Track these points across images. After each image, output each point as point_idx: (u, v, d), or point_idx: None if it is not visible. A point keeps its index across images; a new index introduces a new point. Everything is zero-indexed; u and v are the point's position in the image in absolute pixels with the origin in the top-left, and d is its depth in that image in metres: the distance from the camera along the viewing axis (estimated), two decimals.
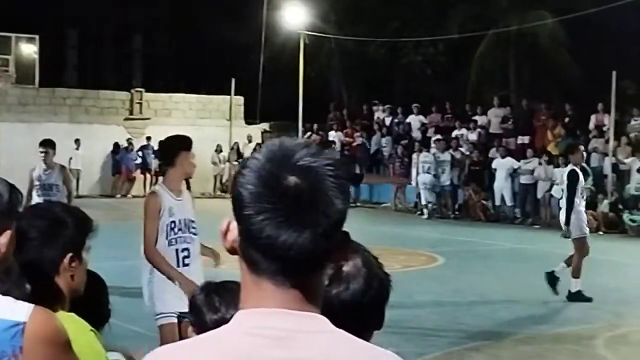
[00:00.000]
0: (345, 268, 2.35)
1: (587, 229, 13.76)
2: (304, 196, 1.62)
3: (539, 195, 25.48)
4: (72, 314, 2.89)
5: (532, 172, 25.61)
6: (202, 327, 1.77)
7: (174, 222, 6.93)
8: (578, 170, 13.42)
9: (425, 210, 27.21)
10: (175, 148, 7.10)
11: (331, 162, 1.66)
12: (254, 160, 1.67)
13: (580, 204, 13.41)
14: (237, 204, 1.66)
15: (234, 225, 1.68)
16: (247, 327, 1.65)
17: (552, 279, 13.17)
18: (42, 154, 12.66)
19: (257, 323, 1.65)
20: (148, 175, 32.31)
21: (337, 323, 2.31)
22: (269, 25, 35.33)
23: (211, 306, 3.04)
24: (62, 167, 13.08)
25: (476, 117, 29.55)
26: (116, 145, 32.94)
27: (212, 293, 3.10)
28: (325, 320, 1.70)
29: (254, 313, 1.67)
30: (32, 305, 2.47)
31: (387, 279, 2.45)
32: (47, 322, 2.44)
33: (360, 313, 2.33)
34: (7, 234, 2.54)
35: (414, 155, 28.57)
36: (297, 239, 1.62)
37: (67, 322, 2.61)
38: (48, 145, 12.86)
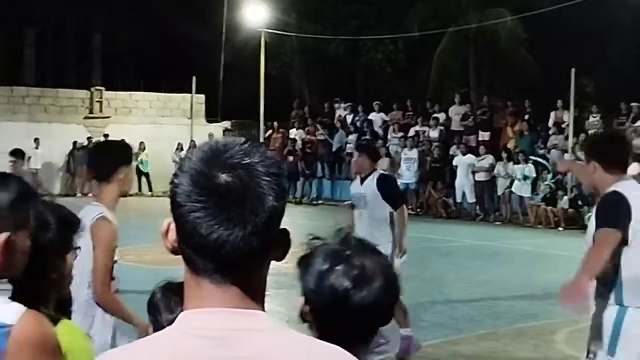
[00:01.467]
0: (368, 269, 2.34)
1: None
2: (234, 194, 1.62)
3: (500, 192, 25.63)
4: (66, 319, 2.85)
5: (488, 169, 25.74)
6: (159, 328, 1.76)
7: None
8: None
9: None
10: (116, 162, 5.59)
11: (264, 160, 1.66)
12: (187, 161, 1.67)
13: None
14: (173, 204, 1.66)
15: (174, 225, 1.68)
16: (188, 328, 1.64)
17: None
18: (11, 163, 12.53)
19: (197, 324, 1.64)
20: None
21: (356, 322, 2.30)
22: (230, 23, 35.24)
23: (168, 306, 3.01)
24: (34, 175, 13.09)
25: (437, 115, 29.67)
26: (75, 144, 32.60)
27: (170, 293, 3.08)
28: (266, 317, 1.69)
29: (195, 313, 1.66)
30: (23, 309, 2.42)
31: (398, 276, 2.44)
32: (35, 326, 2.37)
33: (378, 312, 2.35)
34: (1, 236, 2.46)
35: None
36: (228, 237, 1.61)
37: (63, 328, 2.57)
38: (17, 154, 12.78)
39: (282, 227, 1.70)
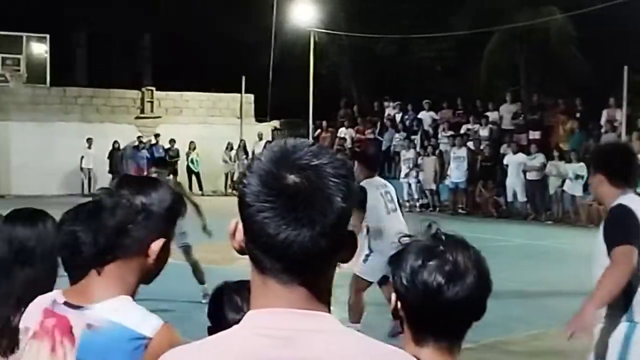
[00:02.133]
0: (461, 264, 2.37)
1: None
2: (302, 195, 1.63)
3: (551, 191, 25.41)
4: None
5: (538, 168, 25.53)
6: (223, 328, 1.78)
7: None
8: None
9: (411, 205, 27.71)
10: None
11: (332, 161, 1.67)
12: (256, 161, 1.69)
13: None
14: (241, 204, 1.68)
15: (241, 225, 1.70)
16: (254, 328, 1.66)
17: None
18: (155, 174, 12.55)
19: (263, 323, 1.66)
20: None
21: (450, 318, 2.32)
22: (279, 22, 35.31)
23: (233, 305, 3.02)
24: (179, 184, 13.24)
25: (487, 113, 29.49)
26: (115, 143, 32.71)
27: (232, 293, 3.09)
28: (332, 318, 1.70)
29: (261, 313, 1.68)
30: (160, 322, 2.48)
31: (488, 269, 2.48)
32: (171, 341, 2.38)
33: (471, 307, 2.39)
34: (160, 241, 2.54)
35: (403, 151, 28.82)
36: (296, 238, 1.62)
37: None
38: (160, 165, 13.05)
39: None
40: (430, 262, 2.34)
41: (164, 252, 2.57)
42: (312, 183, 1.63)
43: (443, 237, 2.42)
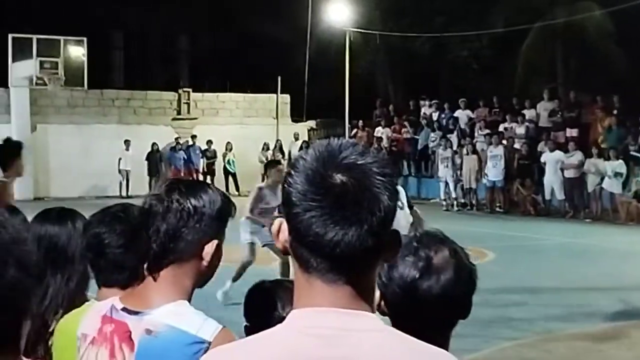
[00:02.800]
0: (435, 260, 2.39)
1: None
2: (350, 194, 1.64)
3: (590, 188, 25.21)
4: None
5: (577, 165, 25.33)
6: (261, 326, 1.79)
7: None
8: None
9: (448, 204, 27.64)
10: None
11: (377, 160, 1.68)
12: (301, 161, 1.70)
13: None
14: (286, 203, 1.68)
15: (285, 225, 1.70)
16: (299, 326, 1.67)
17: None
18: None
19: (308, 322, 1.66)
20: (194, 175, 32.45)
21: (427, 314, 2.34)
22: (314, 22, 35.33)
23: (271, 304, 3.04)
24: None
25: (524, 111, 29.33)
26: (153, 145, 32.83)
27: (269, 291, 3.10)
28: (375, 318, 1.71)
29: (305, 312, 1.68)
30: (219, 326, 2.49)
31: (474, 269, 2.49)
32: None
33: (449, 303, 2.38)
34: (213, 243, 2.57)
35: (440, 150, 28.77)
36: (343, 237, 1.63)
37: None
38: None
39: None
40: (406, 258, 2.36)
41: (217, 254, 2.59)
42: (359, 182, 1.64)
43: (421, 235, 2.46)
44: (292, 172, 1.69)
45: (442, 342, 2.33)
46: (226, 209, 2.61)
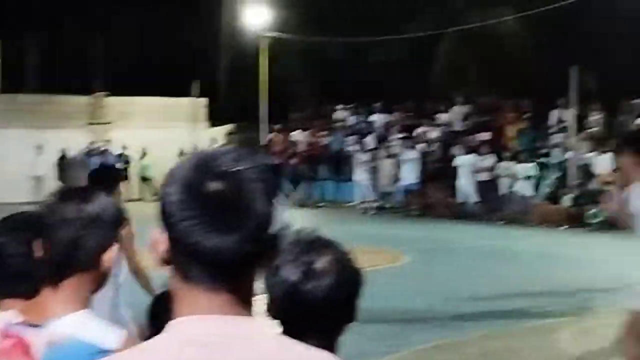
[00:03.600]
0: (318, 265, 2.42)
1: None
2: (227, 201, 1.63)
3: (502, 191, 25.61)
4: None
5: (489, 168, 25.75)
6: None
7: None
8: None
9: (364, 207, 27.77)
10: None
11: (255, 166, 1.68)
12: (177, 170, 1.69)
13: None
14: (164, 213, 1.67)
15: (163, 235, 1.69)
16: (181, 335, 1.66)
17: None
18: None
19: (190, 330, 1.66)
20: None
21: (311, 318, 2.37)
22: (231, 26, 35.28)
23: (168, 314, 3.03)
24: None
25: (439, 115, 29.70)
26: (65, 150, 32.37)
27: (166, 300, 3.10)
28: (259, 323, 1.72)
29: (187, 320, 1.67)
30: (124, 333, 2.46)
31: (359, 273, 2.51)
32: None
33: (333, 308, 2.40)
34: (113, 249, 2.52)
35: (357, 154, 28.92)
36: (222, 244, 1.63)
37: None
38: None
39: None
40: (288, 263, 2.40)
41: (113, 260, 2.55)
42: (236, 189, 1.64)
43: (305, 239, 2.48)
44: (168, 182, 1.67)
45: (329, 346, 2.37)
46: (121, 214, 2.58)
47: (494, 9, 30.18)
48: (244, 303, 1.70)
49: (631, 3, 26.88)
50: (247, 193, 1.66)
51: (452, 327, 11.17)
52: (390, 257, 17.54)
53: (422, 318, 11.63)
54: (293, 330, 2.35)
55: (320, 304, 2.38)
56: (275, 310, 2.43)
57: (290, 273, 2.40)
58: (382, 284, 13.81)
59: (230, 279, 1.67)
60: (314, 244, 2.48)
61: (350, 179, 30.19)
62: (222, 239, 1.63)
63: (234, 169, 1.66)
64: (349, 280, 2.46)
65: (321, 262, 2.42)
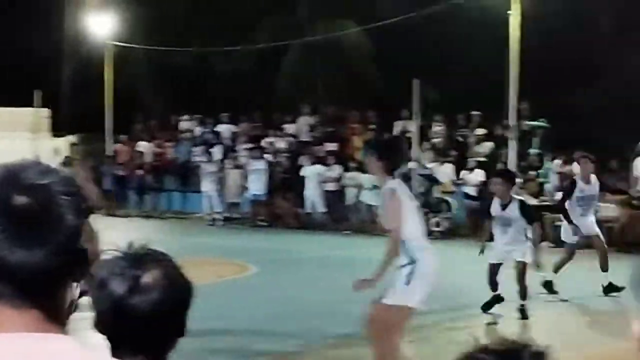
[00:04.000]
0: (144, 279, 2.40)
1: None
2: (33, 215, 1.60)
3: (349, 201, 25.95)
4: None
5: (336, 179, 26.07)
6: None
7: None
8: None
9: (211, 218, 27.75)
10: None
11: (61, 180, 1.65)
12: None
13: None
14: None
15: None
16: None
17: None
18: None
19: None
20: None
21: (138, 332, 2.34)
22: (75, 35, 34.59)
23: None
24: None
25: (286, 125, 29.87)
26: None
27: None
28: (68, 339, 1.67)
29: None
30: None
31: (188, 288, 2.50)
32: None
33: (160, 323, 2.39)
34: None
35: (204, 165, 28.81)
36: (28, 258, 1.59)
37: None
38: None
39: (81, 246, 1.69)
40: (115, 276, 2.39)
41: None
42: (42, 202, 1.61)
43: (135, 253, 2.47)
44: None
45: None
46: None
47: (339, 21, 30.58)
48: (54, 319, 1.65)
49: (471, 18, 27.65)
50: (55, 206, 1.62)
51: (298, 336, 11.21)
52: (237, 269, 17.50)
53: (267, 329, 11.63)
54: (120, 345, 2.33)
55: (146, 319, 2.36)
56: (102, 325, 2.40)
57: (117, 287, 2.38)
58: (228, 296, 13.77)
59: (37, 295, 1.63)
60: (142, 258, 2.46)
61: (197, 190, 29.97)
62: (27, 254, 1.59)
63: (40, 182, 1.62)
64: (177, 294, 2.45)
65: (148, 276, 2.41)
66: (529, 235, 12.33)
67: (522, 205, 12.42)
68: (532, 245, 12.36)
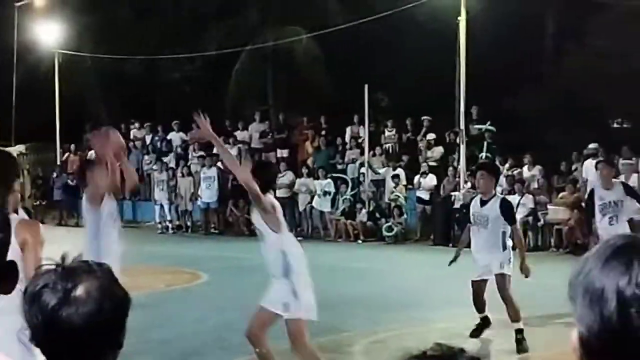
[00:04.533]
0: (78, 291, 2.38)
1: None
2: None
3: (300, 208, 25.94)
4: None
5: (287, 185, 26.04)
6: None
7: None
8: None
9: (163, 226, 27.66)
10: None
11: None
12: None
13: None
14: None
15: None
16: None
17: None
18: None
19: None
20: None
21: (73, 345, 2.32)
22: (22, 43, 34.22)
23: None
24: None
25: (237, 132, 29.80)
26: None
27: None
28: None
29: None
30: None
31: (123, 300, 2.48)
32: None
33: (94, 335, 2.37)
34: None
35: (155, 173, 28.67)
36: None
37: None
38: None
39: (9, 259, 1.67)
40: (48, 288, 2.38)
41: None
42: None
43: (68, 265, 2.45)
44: None
45: None
46: None
47: (288, 28, 30.58)
48: None
49: (421, 23, 27.80)
50: None
51: (246, 345, 11.15)
52: (188, 277, 17.42)
53: (218, 338, 11.58)
54: (55, 357, 2.31)
55: (80, 331, 2.34)
56: (36, 339, 2.38)
57: (49, 299, 2.35)
58: (178, 304, 13.69)
59: None
60: (75, 270, 2.43)
61: (148, 199, 29.82)
62: None
63: None
64: (111, 306, 2.42)
65: (82, 288, 2.38)
66: (508, 242, 10.79)
67: (504, 203, 10.99)
68: (512, 250, 10.81)
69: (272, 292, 8.69)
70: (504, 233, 10.73)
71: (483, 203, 10.88)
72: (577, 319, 1.71)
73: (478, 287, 10.93)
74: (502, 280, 10.57)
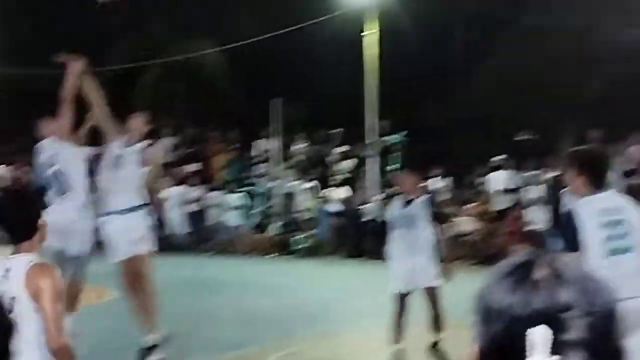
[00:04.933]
0: None
1: None
2: None
3: (211, 221, 25.76)
4: None
5: (198, 199, 25.86)
6: None
7: None
8: None
9: None
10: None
11: None
12: None
13: None
14: None
15: None
16: None
17: None
18: None
19: None
20: None
21: None
22: None
23: None
24: None
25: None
26: None
27: None
28: None
29: None
30: None
31: (7, 323, 2.42)
32: None
33: None
34: None
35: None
36: None
37: None
38: None
39: None
40: None
41: None
42: None
43: None
44: None
45: None
46: None
47: (196, 41, 30.41)
48: None
49: (330, 37, 27.93)
50: None
51: None
52: (95, 295, 17.09)
53: (126, 356, 11.40)
54: None
55: None
56: None
57: None
58: (85, 323, 13.41)
59: None
60: None
61: None
62: None
63: None
64: None
65: None
66: (432, 242, 10.02)
67: (428, 201, 10.21)
68: (437, 255, 10.00)
69: None
70: (429, 234, 10.01)
71: (407, 203, 10.09)
72: (476, 333, 1.69)
73: (401, 302, 10.06)
74: (433, 294, 10.01)
